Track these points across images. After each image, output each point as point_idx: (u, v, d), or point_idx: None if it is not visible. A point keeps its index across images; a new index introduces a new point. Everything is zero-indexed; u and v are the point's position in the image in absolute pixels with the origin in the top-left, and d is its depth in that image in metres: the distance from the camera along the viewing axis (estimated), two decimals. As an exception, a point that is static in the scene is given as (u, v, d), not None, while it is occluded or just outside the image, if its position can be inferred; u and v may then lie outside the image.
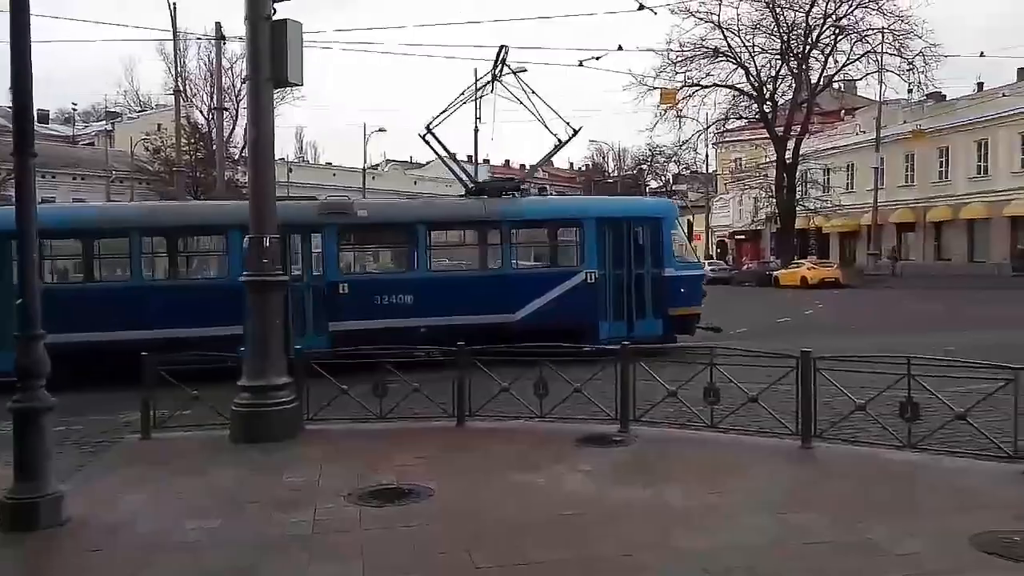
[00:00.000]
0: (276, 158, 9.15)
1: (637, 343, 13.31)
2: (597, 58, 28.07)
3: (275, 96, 8.94)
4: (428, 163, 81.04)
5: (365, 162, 48.49)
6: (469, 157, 48.18)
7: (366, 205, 17.90)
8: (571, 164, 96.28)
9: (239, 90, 40.70)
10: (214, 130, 33.16)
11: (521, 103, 16.13)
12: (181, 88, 32.57)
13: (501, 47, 16.09)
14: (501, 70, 16.23)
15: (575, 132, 16.28)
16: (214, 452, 7.57)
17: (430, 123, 15.88)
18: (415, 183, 70.82)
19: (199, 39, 37.23)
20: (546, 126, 16.33)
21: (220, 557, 4.88)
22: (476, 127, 33.95)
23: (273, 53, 8.04)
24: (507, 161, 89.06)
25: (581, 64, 28.75)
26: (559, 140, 16.17)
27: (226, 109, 35.89)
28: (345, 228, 14.47)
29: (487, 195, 15.80)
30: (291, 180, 52.46)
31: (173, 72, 32.72)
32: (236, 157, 42.32)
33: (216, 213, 15.11)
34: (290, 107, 68.80)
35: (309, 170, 67.76)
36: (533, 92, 16.16)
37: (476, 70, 36.60)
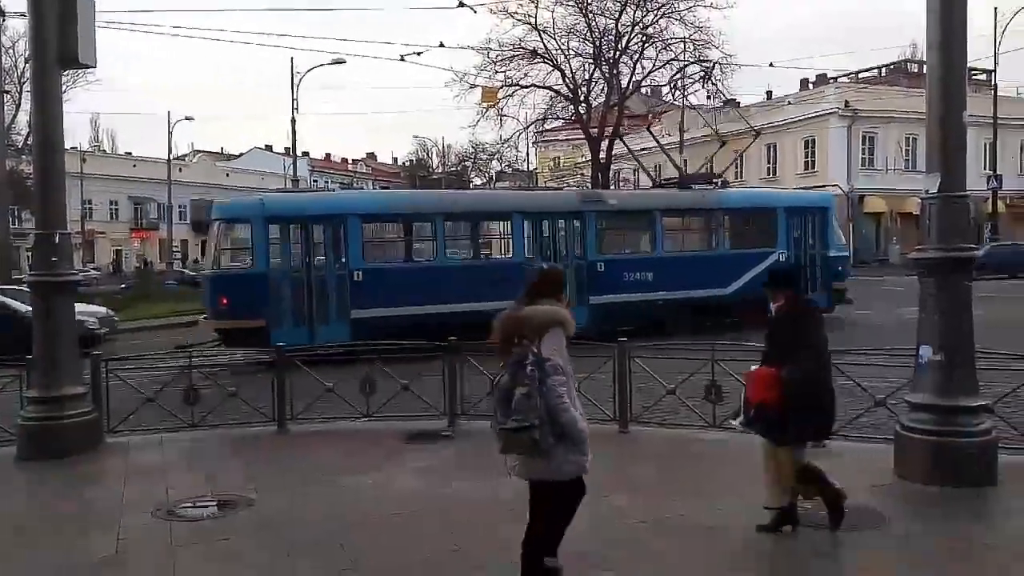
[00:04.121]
0: (67, 146, 8.30)
1: None
2: (419, 53, 28.07)
3: (64, 78, 8.09)
4: (241, 154, 77.41)
5: (170, 152, 45.18)
6: (287, 149, 46.39)
7: (614, 195, 20.47)
8: (395, 159, 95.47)
9: (23, 71, 36.61)
10: (-8, 114, 29.51)
11: None
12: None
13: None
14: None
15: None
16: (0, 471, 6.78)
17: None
18: (227, 175, 67.26)
19: (-29, 12, 33.09)
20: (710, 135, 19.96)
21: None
22: (294, 119, 32.60)
23: (61, 30, 7.26)
24: (328, 155, 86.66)
25: (403, 59, 28.65)
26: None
27: (7, 92, 32.20)
28: (600, 214, 16.37)
29: (694, 186, 18.27)
30: (85, 171, 48.15)
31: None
32: (20, 145, 38.06)
33: (504, 200, 18.01)
34: (82, 91, 62.83)
35: (106, 160, 62.46)
36: None
37: (292, 59, 35.47)
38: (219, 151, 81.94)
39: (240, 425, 8.07)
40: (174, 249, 49.16)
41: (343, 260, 14.20)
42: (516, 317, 3.76)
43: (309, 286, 13.86)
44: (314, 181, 74.56)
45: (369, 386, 7.99)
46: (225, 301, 13.68)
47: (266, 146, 76.73)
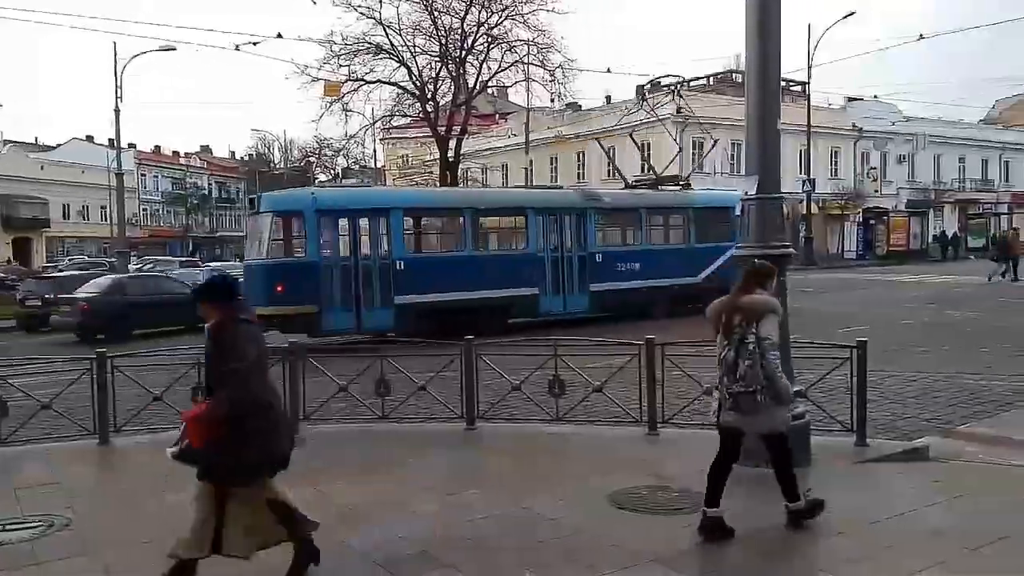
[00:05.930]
0: None
1: None
2: (254, 43, 26.93)
3: None
4: (59, 145, 71.23)
5: (-25, 142, 40.73)
6: (110, 141, 43.09)
7: (607, 193, 21.37)
8: (232, 153, 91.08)
9: None
10: None
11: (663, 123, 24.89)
12: None
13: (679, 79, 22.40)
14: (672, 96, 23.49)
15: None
16: None
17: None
18: (42, 167, 61.67)
19: None
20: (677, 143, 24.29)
21: None
22: (117, 108, 30.25)
23: None
24: (158, 147, 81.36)
25: (237, 48, 27.32)
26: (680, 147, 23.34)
27: None
28: (598, 211, 18.54)
29: (660, 187, 20.71)
30: None
31: None
32: None
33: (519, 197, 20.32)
34: None
35: None
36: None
37: (115, 44, 32.97)
38: (33, 141, 74.97)
39: (58, 439, 7.42)
40: (-20, 248, 44.43)
41: (387, 250, 15.58)
42: (738, 304, 4.74)
43: (356, 274, 15.04)
44: (142, 175, 69.85)
45: (201, 392, 7.53)
46: (280, 288, 14.61)
47: (87, 137, 70.95)
